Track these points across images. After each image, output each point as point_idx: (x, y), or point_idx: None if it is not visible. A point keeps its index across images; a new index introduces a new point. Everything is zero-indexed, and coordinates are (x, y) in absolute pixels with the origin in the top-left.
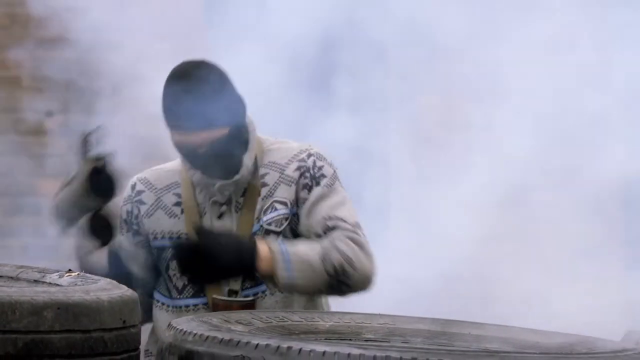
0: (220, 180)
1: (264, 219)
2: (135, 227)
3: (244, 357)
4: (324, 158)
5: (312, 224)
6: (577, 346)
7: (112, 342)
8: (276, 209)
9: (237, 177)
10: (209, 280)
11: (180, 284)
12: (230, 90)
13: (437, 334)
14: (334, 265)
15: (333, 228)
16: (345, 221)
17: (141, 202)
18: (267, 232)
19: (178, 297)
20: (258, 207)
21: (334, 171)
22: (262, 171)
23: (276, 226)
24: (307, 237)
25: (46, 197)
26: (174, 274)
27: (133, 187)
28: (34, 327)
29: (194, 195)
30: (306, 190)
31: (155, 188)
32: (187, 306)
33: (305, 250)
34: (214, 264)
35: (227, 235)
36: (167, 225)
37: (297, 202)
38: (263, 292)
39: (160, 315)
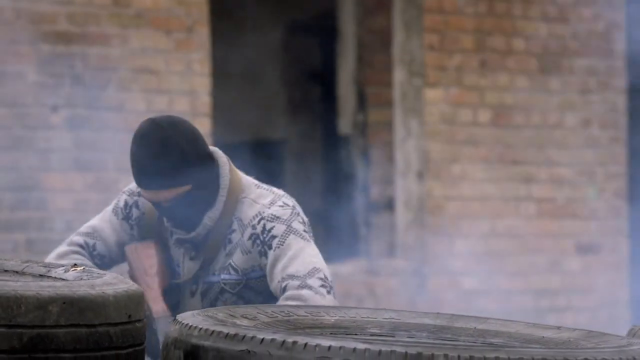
0: (180, 233)
1: (222, 277)
2: (130, 222)
3: (249, 351)
4: (277, 217)
5: (274, 289)
6: (582, 341)
7: (117, 337)
8: (230, 273)
9: (192, 234)
10: None
11: None
12: (197, 148)
13: (442, 329)
14: None
15: (284, 289)
16: (294, 276)
17: (137, 205)
18: (223, 290)
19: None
20: (220, 262)
21: (288, 226)
22: (233, 225)
23: (230, 288)
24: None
25: (51, 192)
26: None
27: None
28: (40, 322)
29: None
30: (264, 257)
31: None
32: None
33: None
34: None
35: None
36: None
37: (260, 268)
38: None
39: None
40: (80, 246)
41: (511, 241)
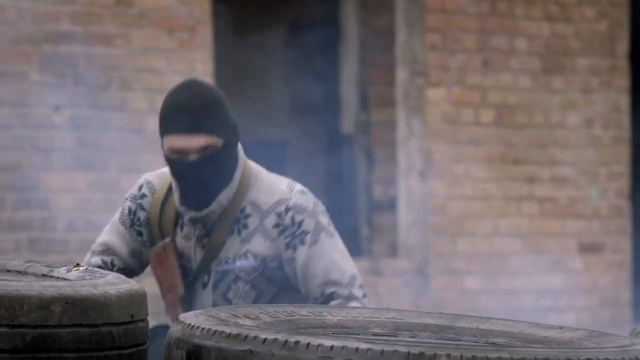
0: (191, 212)
1: (237, 264)
2: (137, 228)
3: (251, 351)
4: (304, 209)
5: (310, 290)
6: (585, 340)
7: (120, 337)
8: (247, 259)
9: (206, 210)
10: None
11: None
12: (231, 111)
13: (445, 329)
14: None
15: (331, 295)
16: (340, 284)
17: (142, 207)
18: (237, 278)
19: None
20: (234, 248)
21: (316, 221)
22: (246, 209)
23: (245, 275)
24: (304, 293)
25: (54, 192)
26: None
27: (140, 187)
28: (42, 322)
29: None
30: (291, 250)
31: (156, 197)
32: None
33: None
34: None
35: None
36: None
37: (280, 258)
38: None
39: None
40: (99, 267)
41: (514, 241)
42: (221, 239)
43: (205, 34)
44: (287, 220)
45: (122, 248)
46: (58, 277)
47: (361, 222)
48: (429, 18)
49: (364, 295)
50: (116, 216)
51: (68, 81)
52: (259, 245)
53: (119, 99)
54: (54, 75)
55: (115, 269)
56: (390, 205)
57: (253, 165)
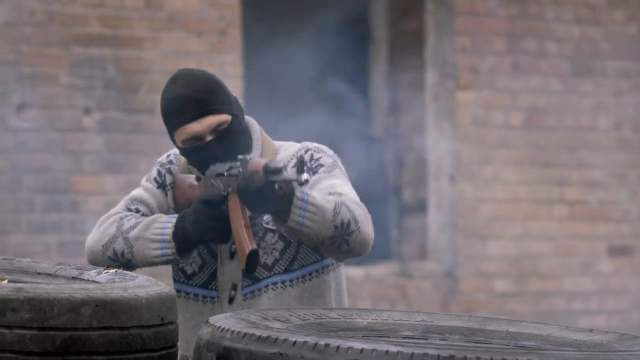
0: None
1: (265, 217)
2: (165, 189)
3: (281, 354)
4: (322, 150)
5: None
6: (615, 343)
7: (149, 339)
8: None
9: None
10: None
11: (189, 270)
12: (227, 88)
13: (475, 332)
14: (342, 220)
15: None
16: (344, 196)
17: (169, 172)
18: (266, 230)
19: (186, 282)
20: None
21: (334, 160)
22: None
23: (274, 225)
24: None
25: (84, 194)
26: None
27: (168, 155)
28: (72, 324)
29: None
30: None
31: (181, 166)
32: (196, 295)
33: (322, 200)
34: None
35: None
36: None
37: None
38: (259, 289)
39: None
40: (123, 212)
41: (543, 243)
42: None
43: (235, 36)
44: (307, 157)
45: (149, 198)
46: (88, 280)
47: (391, 225)
48: (459, 21)
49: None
50: (143, 180)
51: (98, 84)
52: None
53: (148, 102)
54: (84, 78)
55: (140, 214)
56: (420, 208)
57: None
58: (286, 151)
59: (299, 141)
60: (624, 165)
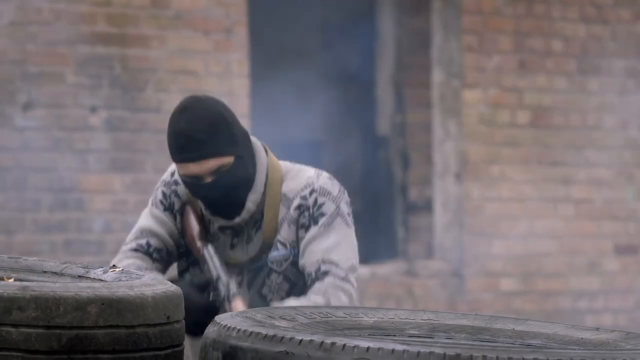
0: (221, 220)
1: (270, 255)
2: (173, 212)
3: (287, 352)
4: (327, 192)
5: (305, 264)
6: (621, 342)
7: (156, 338)
8: (277, 249)
9: (237, 219)
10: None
11: None
12: (236, 123)
13: (481, 330)
14: None
15: (325, 273)
16: (338, 266)
17: (176, 194)
18: (270, 271)
19: None
20: (269, 241)
21: (337, 206)
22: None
23: (277, 266)
24: (300, 267)
25: (90, 193)
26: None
27: (172, 174)
28: (78, 323)
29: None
30: (303, 230)
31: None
32: None
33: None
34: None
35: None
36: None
37: (297, 243)
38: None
39: None
40: (134, 250)
41: (549, 242)
42: (251, 237)
43: (242, 35)
44: (310, 201)
45: (159, 228)
46: (94, 279)
47: (397, 223)
48: (465, 19)
49: (356, 290)
50: (148, 205)
51: (104, 83)
52: (286, 232)
53: (155, 100)
54: (90, 76)
55: (151, 249)
56: (426, 207)
57: (281, 162)
58: (292, 181)
59: (309, 163)
60: (630, 164)
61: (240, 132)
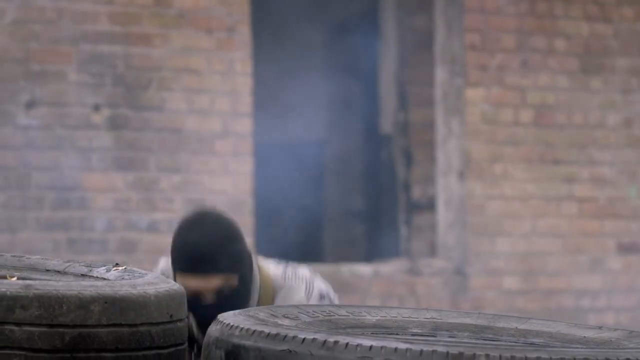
0: None
1: None
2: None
3: (290, 351)
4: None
5: None
6: (624, 341)
7: (159, 336)
8: None
9: None
10: None
11: None
12: (242, 241)
13: (484, 329)
14: None
15: None
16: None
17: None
18: None
19: None
20: None
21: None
22: None
23: None
24: None
25: (93, 191)
26: None
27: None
28: (81, 321)
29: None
30: None
31: None
32: None
33: None
34: None
35: None
36: None
37: None
38: None
39: None
40: None
41: (552, 241)
42: None
43: (244, 33)
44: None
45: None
46: (97, 277)
47: (400, 222)
48: (468, 18)
49: None
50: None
51: (107, 81)
52: None
53: (157, 99)
54: (93, 75)
55: None
56: (429, 205)
57: (271, 273)
58: (284, 301)
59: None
60: (633, 163)
61: (248, 252)
